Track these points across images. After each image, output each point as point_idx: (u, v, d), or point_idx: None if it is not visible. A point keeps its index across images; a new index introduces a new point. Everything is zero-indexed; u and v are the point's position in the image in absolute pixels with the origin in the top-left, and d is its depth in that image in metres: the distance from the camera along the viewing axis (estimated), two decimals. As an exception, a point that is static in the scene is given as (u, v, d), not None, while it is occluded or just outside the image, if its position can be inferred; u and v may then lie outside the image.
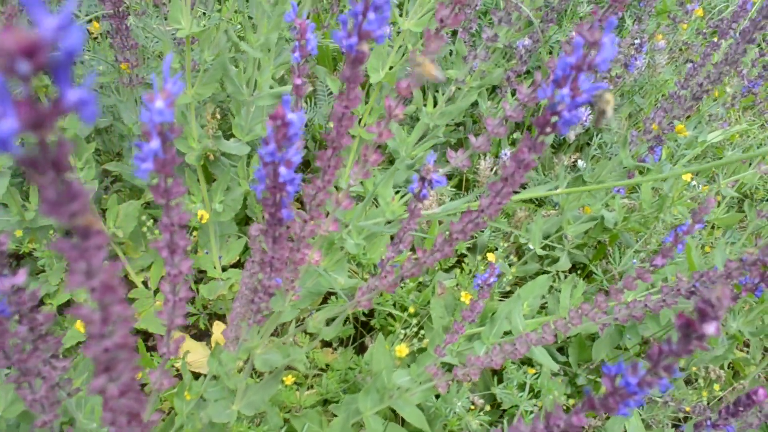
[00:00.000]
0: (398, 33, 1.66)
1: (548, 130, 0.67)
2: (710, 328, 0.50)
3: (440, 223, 1.96)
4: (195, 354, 2.00)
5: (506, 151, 1.86)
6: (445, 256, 0.88)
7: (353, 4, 0.53)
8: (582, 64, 0.61)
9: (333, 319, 1.36)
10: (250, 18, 1.47)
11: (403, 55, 1.81)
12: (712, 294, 0.49)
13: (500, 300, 1.96)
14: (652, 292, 1.31)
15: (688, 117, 1.57)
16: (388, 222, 1.39)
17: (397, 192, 2.12)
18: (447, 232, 0.87)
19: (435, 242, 0.89)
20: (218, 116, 1.53)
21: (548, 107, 0.65)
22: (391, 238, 1.52)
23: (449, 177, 2.00)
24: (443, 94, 1.97)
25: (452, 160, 1.24)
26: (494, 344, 1.48)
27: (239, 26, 2.23)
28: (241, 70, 1.33)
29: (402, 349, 1.51)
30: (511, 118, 1.13)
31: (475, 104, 2.20)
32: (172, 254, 0.58)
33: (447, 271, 2.01)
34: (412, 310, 1.62)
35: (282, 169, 0.60)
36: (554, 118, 0.66)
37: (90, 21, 1.78)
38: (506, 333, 1.60)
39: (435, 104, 1.45)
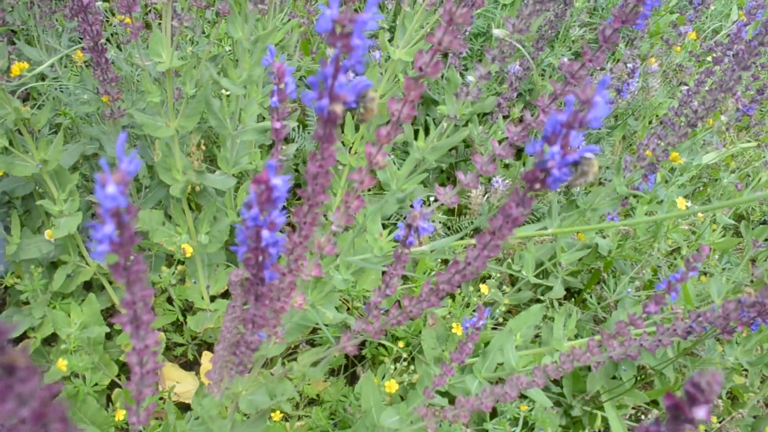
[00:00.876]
0: (387, 59, 1.63)
1: (537, 186, 0.63)
2: (700, 412, 0.47)
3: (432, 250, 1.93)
4: (184, 384, 1.95)
5: (498, 179, 1.84)
6: (432, 305, 0.85)
7: (323, 66, 0.50)
8: (573, 122, 0.58)
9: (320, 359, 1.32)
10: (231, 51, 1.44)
11: (395, 80, 1.78)
12: (702, 378, 0.46)
13: (493, 328, 1.93)
14: (648, 326, 1.27)
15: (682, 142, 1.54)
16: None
17: (389, 222, 2.09)
18: (433, 281, 0.84)
19: (421, 291, 0.86)
20: (203, 147, 1.49)
21: (538, 164, 0.62)
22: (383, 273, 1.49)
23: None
24: (435, 122, 1.95)
25: (441, 197, 1.21)
26: (485, 385, 1.44)
27: (229, 49, 2.20)
28: (224, 104, 1.30)
29: (392, 385, 1.48)
30: (500, 156, 1.10)
31: (465, 125, 2.17)
32: (137, 329, 0.54)
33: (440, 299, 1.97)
34: (401, 344, 1.59)
35: (265, 233, 0.57)
36: (543, 175, 0.62)
37: (61, 60, 1.75)
38: (499, 364, 1.57)
39: (427, 132, 1.42)
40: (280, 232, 0.61)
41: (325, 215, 1.75)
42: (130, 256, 0.49)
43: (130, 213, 0.45)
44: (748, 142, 2.44)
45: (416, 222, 0.89)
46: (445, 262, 2.03)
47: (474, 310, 1.54)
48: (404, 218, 0.91)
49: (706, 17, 2.68)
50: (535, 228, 1.37)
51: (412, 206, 0.91)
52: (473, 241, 1.26)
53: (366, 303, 1.04)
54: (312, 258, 0.98)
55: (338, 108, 0.52)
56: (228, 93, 1.82)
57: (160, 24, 1.18)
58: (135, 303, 0.52)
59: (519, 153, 2.38)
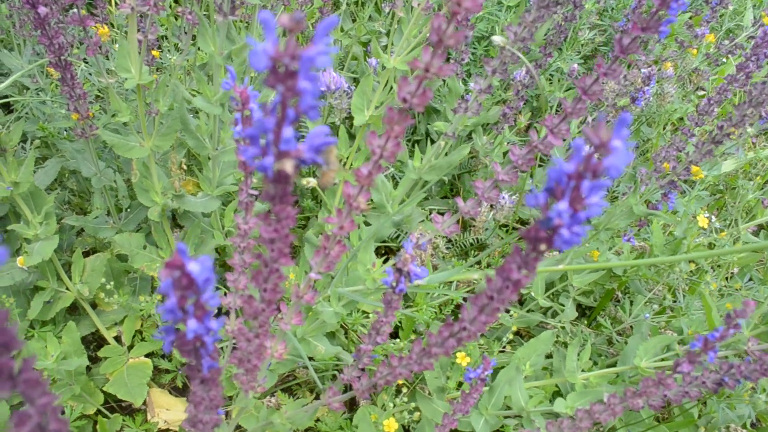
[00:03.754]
0: (383, 68, 1.51)
1: (542, 247, 0.51)
2: None
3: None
4: (174, 411, 1.84)
5: (504, 195, 1.71)
6: (425, 368, 0.73)
7: (264, 113, 0.38)
8: (584, 172, 0.46)
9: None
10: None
11: (390, 90, 1.66)
12: None
13: (501, 351, 1.81)
14: (666, 368, 1.15)
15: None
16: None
17: (387, 241, 1.97)
18: (424, 342, 0.72)
19: (412, 351, 0.74)
20: (184, 167, 1.38)
21: (542, 221, 0.50)
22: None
23: (442, 214, 1.84)
24: (437, 133, 1.82)
25: (438, 225, 1.09)
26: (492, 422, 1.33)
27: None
28: (202, 122, 1.19)
29: (390, 425, 1.36)
30: (504, 182, 0.98)
31: (469, 136, 2.05)
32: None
33: (443, 321, 1.85)
34: (401, 381, 1.47)
35: (191, 323, 0.45)
36: (549, 234, 0.51)
37: (44, 69, 1.64)
38: (506, 397, 1.45)
39: (432, 142, 1.30)
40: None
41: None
42: (12, 366, 0.37)
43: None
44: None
45: (407, 267, 0.78)
46: (450, 282, 1.91)
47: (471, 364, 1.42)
48: (397, 255, 0.80)
49: (722, 17, 2.54)
50: (544, 264, 1.25)
51: (403, 248, 0.79)
52: (476, 275, 1.15)
53: (357, 351, 0.93)
54: (291, 306, 0.87)
55: (288, 166, 0.41)
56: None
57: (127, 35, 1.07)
58: (32, 416, 0.41)
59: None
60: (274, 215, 0.47)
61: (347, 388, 1.07)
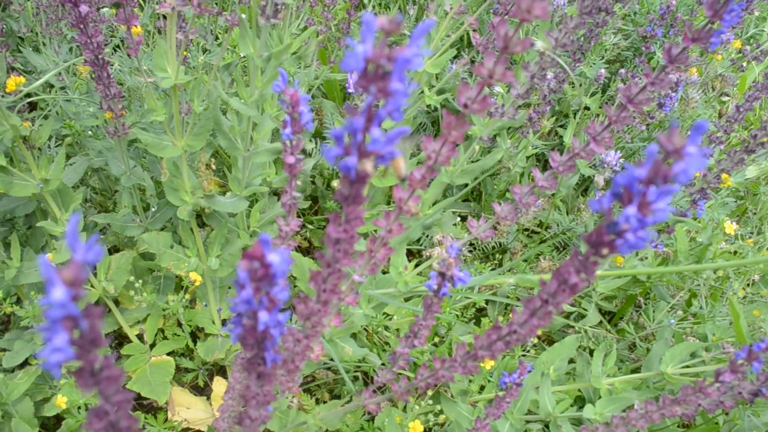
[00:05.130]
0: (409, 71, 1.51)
1: (605, 251, 0.51)
2: None
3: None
4: (195, 410, 1.84)
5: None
6: (469, 372, 0.73)
7: (351, 114, 0.38)
8: (655, 178, 0.46)
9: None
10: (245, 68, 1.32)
11: (421, 93, 1.66)
12: None
13: (522, 355, 1.81)
14: (705, 373, 1.14)
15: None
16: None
17: (416, 245, 1.97)
18: (470, 344, 0.72)
19: (455, 354, 0.74)
20: (213, 166, 1.38)
21: (608, 225, 0.50)
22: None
23: (464, 217, 1.85)
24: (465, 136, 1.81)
25: (473, 229, 1.09)
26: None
27: (244, 55, 2.09)
28: (235, 122, 1.19)
29: (416, 427, 1.36)
30: (543, 188, 0.98)
31: (493, 139, 2.05)
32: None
33: (466, 323, 1.85)
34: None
35: (263, 315, 0.46)
36: (613, 238, 0.51)
37: (69, 67, 1.65)
38: (533, 400, 1.45)
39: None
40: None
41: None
42: (95, 362, 0.38)
43: (90, 316, 0.34)
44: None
45: (450, 271, 0.78)
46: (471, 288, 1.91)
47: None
48: (435, 263, 0.79)
49: (748, 24, 2.53)
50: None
51: (447, 251, 0.79)
52: (509, 279, 1.15)
53: (393, 353, 0.93)
54: (332, 308, 0.87)
55: (368, 166, 0.41)
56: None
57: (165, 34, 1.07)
58: (109, 413, 0.41)
59: (544, 164, 2.26)
60: (344, 216, 0.47)
61: (378, 391, 1.07)
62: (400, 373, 0.94)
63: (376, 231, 0.73)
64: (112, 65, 1.67)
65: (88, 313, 0.34)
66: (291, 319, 1.17)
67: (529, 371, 1.02)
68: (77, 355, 0.36)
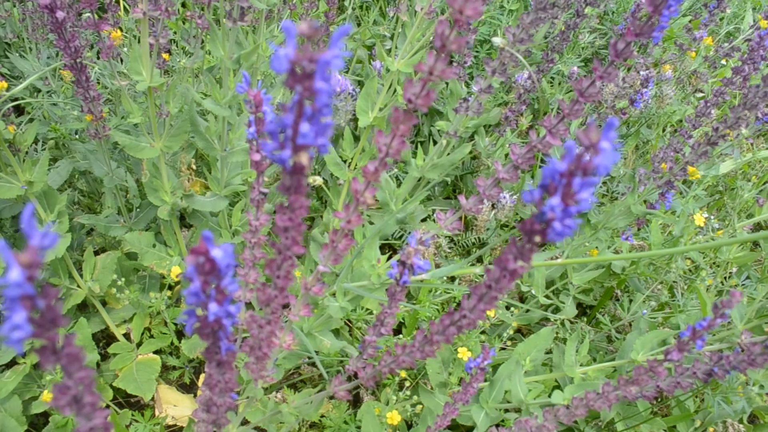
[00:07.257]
0: (387, 71, 1.55)
1: (537, 239, 0.55)
2: None
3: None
4: (181, 407, 1.88)
5: (505, 194, 1.75)
6: (427, 356, 0.77)
7: (283, 111, 0.42)
8: (575, 170, 0.50)
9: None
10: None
11: (394, 92, 1.70)
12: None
13: (502, 349, 1.85)
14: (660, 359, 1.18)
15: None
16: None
17: (391, 240, 2.01)
18: (427, 330, 0.76)
19: (415, 340, 0.78)
20: (194, 167, 1.42)
21: (536, 215, 0.54)
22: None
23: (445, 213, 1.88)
24: (440, 133, 1.86)
25: (441, 222, 1.13)
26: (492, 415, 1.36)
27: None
28: (212, 123, 1.23)
29: (394, 417, 1.40)
30: (505, 180, 1.02)
31: (471, 137, 2.09)
32: (79, 412, 0.47)
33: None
34: (404, 374, 1.51)
35: (212, 306, 0.49)
36: (543, 227, 0.55)
37: (55, 72, 1.68)
38: (507, 391, 1.49)
39: (434, 143, 1.34)
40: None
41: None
42: (56, 340, 0.41)
43: (48, 296, 0.38)
44: (766, 149, 2.34)
45: (410, 259, 0.82)
46: (452, 279, 1.95)
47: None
48: (401, 249, 0.83)
49: (721, 20, 2.58)
50: (543, 257, 1.28)
51: (407, 242, 0.83)
52: (478, 269, 1.19)
53: (362, 342, 0.97)
54: (300, 298, 0.91)
55: (303, 158, 0.45)
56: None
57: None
58: (71, 387, 0.45)
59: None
60: (288, 205, 0.51)
61: (351, 378, 1.11)
62: (370, 362, 0.98)
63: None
64: (93, 69, 1.70)
65: (46, 293, 0.38)
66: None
67: (493, 355, 1.05)
68: (37, 333, 0.40)
